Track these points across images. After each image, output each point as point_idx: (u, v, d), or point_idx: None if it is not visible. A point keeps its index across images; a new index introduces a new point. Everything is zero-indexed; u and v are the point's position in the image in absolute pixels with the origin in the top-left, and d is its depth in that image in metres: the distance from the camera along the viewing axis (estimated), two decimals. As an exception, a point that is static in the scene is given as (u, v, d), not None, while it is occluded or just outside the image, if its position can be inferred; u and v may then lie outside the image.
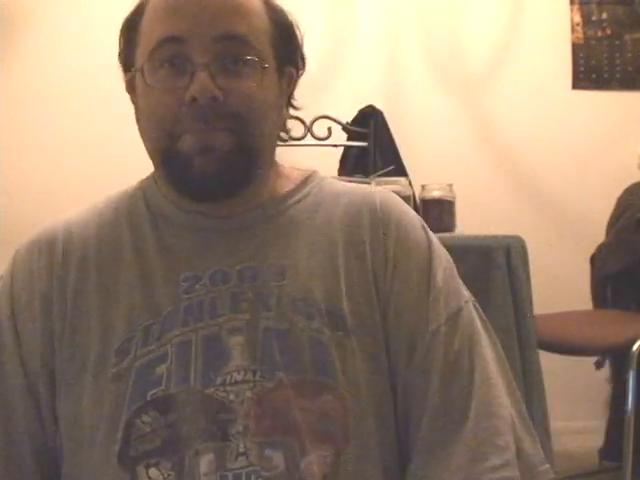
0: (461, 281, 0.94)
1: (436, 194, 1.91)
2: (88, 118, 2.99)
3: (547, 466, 0.86)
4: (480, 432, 0.83)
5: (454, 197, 1.92)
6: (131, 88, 0.93)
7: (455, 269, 0.94)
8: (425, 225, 0.95)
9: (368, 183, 1.85)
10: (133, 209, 0.94)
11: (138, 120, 0.91)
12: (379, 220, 0.92)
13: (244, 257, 0.88)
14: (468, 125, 3.14)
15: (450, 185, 1.93)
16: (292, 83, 0.94)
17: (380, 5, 3.13)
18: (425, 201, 1.91)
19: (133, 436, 0.81)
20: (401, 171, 2.27)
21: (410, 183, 1.92)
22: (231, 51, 0.85)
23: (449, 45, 3.14)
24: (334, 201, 0.94)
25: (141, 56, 0.88)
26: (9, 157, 2.97)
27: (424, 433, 0.84)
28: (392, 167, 2.16)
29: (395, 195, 0.98)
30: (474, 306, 0.92)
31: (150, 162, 0.92)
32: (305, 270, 0.88)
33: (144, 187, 0.96)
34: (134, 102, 0.93)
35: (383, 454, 0.85)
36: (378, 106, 2.40)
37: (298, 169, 0.99)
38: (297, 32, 0.93)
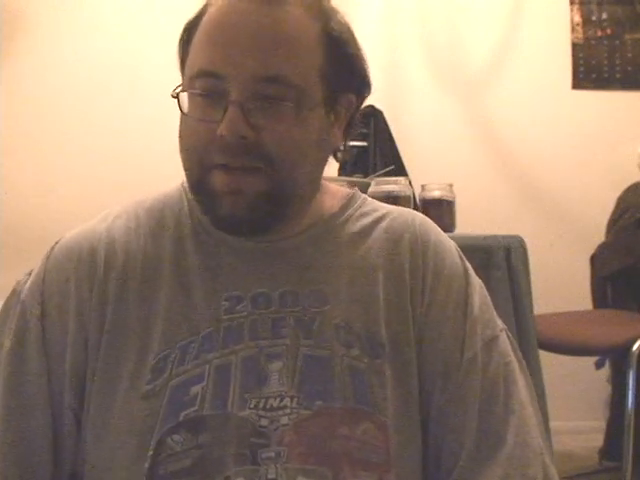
0: (494, 309, 0.94)
1: (436, 194, 1.91)
2: (88, 118, 2.99)
3: None
4: (513, 461, 0.84)
5: (454, 197, 1.92)
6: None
7: (489, 296, 0.94)
8: (460, 252, 0.95)
9: (368, 183, 1.85)
10: (177, 220, 0.92)
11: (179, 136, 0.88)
12: (418, 248, 0.91)
13: (287, 280, 0.88)
14: (468, 125, 3.14)
15: (450, 185, 1.92)
16: (351, 109, 0.91)
17: (380, 5, 3.13)
18: (425, 201, 1.91)
19: (163, 455, 0.80)
20: (401, 171, 2.27)
21: (410, 183, 1.91)
22: (269, 92, 0.81)
23: (449, 45, 3.14)
24: (375, 225, 0.93)
25: (185, 76, 0.85)
26: (9, 157, 2.97)
27: (463, 461, 0.85)
28: (392, 167, 2.16)
29: (429, 219, 0.98)
30: (506, 334, 0.93)
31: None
32: (346, 297, 0.87)
33: (188, 195, 0.93)
34: None
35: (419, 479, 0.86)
36: (378, 106, 2.40)
37: (341, 184, 0.98)
38: (358, 61, 0.89)
